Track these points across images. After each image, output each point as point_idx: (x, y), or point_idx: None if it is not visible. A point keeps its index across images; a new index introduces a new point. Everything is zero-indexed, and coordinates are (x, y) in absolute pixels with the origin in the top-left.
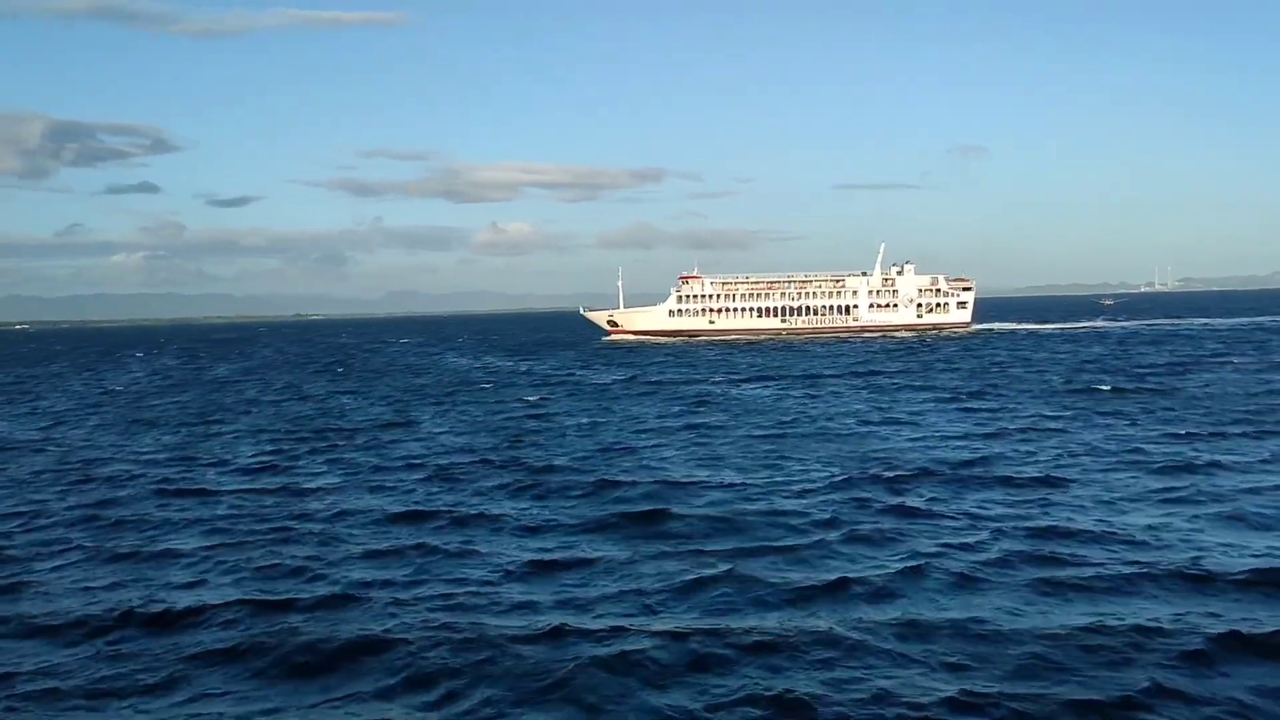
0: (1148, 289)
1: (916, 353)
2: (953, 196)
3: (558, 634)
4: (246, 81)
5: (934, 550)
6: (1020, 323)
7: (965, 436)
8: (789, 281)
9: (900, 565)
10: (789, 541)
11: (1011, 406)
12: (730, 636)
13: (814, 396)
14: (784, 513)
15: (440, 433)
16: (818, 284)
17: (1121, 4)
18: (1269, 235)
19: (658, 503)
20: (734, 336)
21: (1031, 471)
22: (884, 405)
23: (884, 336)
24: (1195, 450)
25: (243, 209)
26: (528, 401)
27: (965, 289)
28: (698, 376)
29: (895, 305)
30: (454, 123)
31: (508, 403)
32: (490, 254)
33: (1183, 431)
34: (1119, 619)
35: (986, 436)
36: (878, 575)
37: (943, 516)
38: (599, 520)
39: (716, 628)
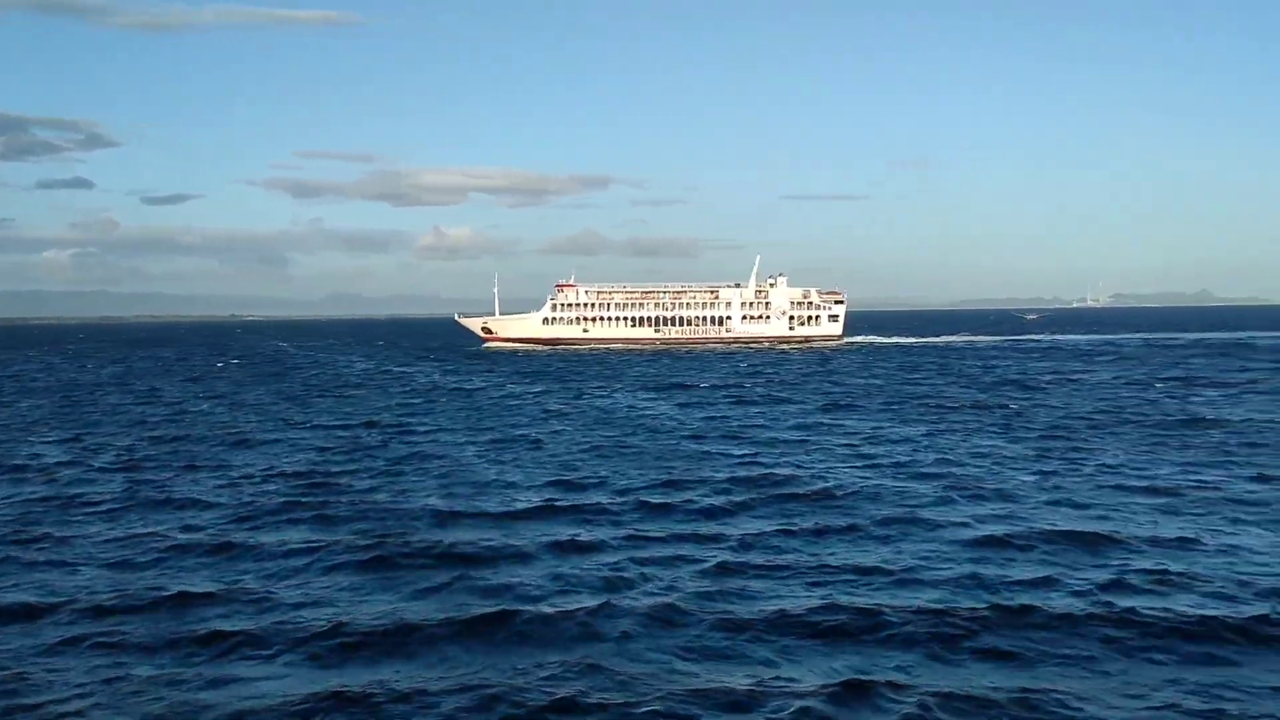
0: (1080, 304)
1: (789, 364)
2: (900, 208)
3: (155, 680)
4: (185, 78)
5: (647, 582)
6: (892, 336)
7: (781, 453)
8: (664, 291)
9: (597, 602)
10: (502, 571)
11: (845, 421)
12: (337, 686)
13: (684, 405)
14: (527, 537)
15: (266, 441)
16: (692, 294)
17: (1084, 13)
18: (1195, 254)
19: (408, 527)
20: (607, 346)
21: (819, 486)
22: (731, 416)
23: (756, 349)
24: (992, 468)
25: (178, 207)
26: (377, 407)
27: (837, 302)
28: (567, 383)
29: (767, 317)
30: (398, 126)
31: (364, 406)
32: (432, 258)
33: (998, 448)
34: (768, 666)
35: (806, 452)
36: (562, 613)
37: (697, 541)
38: (329, 545)
39: (329, 678)
